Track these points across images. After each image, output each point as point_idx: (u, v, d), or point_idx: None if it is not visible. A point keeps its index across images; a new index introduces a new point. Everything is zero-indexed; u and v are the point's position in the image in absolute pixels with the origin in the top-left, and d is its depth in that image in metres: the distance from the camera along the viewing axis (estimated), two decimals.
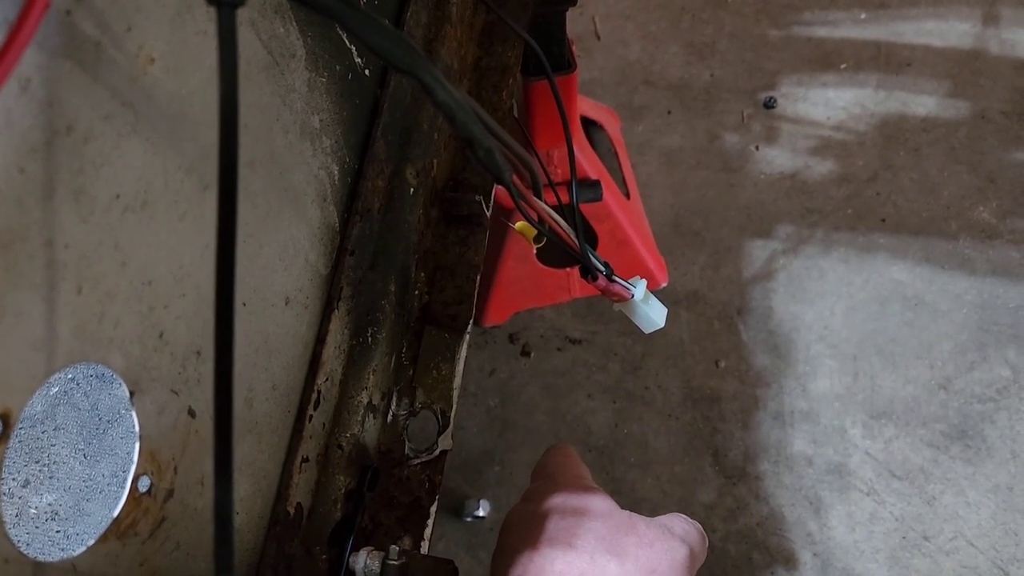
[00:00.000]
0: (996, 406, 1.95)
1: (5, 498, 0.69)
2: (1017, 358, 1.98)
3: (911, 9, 2.49)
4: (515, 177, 0.80)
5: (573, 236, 0.91)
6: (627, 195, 2.15)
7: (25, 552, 0.57)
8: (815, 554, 1.89)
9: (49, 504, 0.76)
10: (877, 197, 2.21)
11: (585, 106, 2.23)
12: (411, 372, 1.06)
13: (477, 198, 1.10)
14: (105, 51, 0.58)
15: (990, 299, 2.06)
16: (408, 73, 0.58)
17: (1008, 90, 2.31)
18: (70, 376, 0.78)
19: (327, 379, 0.92)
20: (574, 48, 1.58)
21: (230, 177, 0.49)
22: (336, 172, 0.94)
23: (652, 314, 0.95)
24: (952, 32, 2.44)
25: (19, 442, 0.75)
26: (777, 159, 2.31)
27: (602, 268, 0.92)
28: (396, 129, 1.05)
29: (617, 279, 0.94)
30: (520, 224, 0.97)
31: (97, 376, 0.74)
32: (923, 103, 2.32)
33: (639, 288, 0.94)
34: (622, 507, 0.84)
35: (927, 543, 1.86)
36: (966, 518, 1.87)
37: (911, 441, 1.95)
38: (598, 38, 2.63)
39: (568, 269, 2.04)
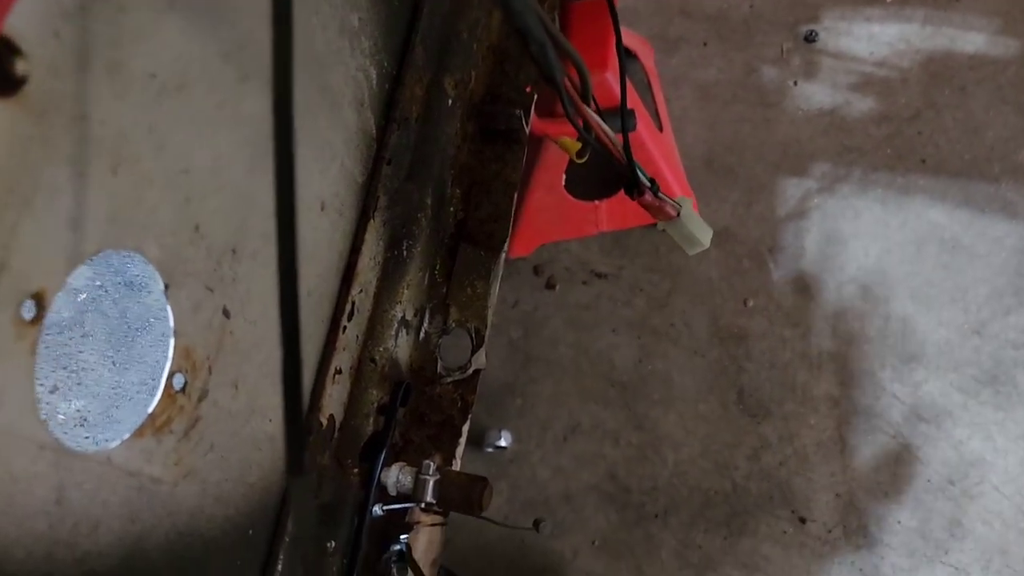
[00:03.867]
0: None
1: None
2: None
3: None
4: (567, 82, 0.76)
5: (620, 150, 0.87)
6: (660, 128, 2.10)
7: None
8: (838, 495, 1.88)
9: (77, 410, 0.74)
10: (918, 137, 2.15)
11: None
12: (444, 289, 1.04)
13: (516, 112, 1.06)
14: None
15: None
16: None
17: None
18: (98, 283, 0.76)
19: (361, 290, 0.90)
20: None
21: (285, 75, 0.46)
22: (374, 76, 0.90)
23: (697, 233, 0.91)
24: None
25: (46, 348, 0.73)
26: (816, 95, 2.24)
27: (648, 184, 0.89)
28: (435, 36, 1.01)
29: (663, 196, 0.90)
30: (563, 139, 0.93)
31: (126, 283, 0.72)
32: (971, 40, 2.24)
33: (686, 206, 0.91)
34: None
35: (951, 487, 1.85)
36: (993, 463, 1.85)
37: (941, 385, 1.92)
38: None
39: (596, 202, 2.00)
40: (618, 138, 0.89)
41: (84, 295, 0.77)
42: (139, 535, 0.62)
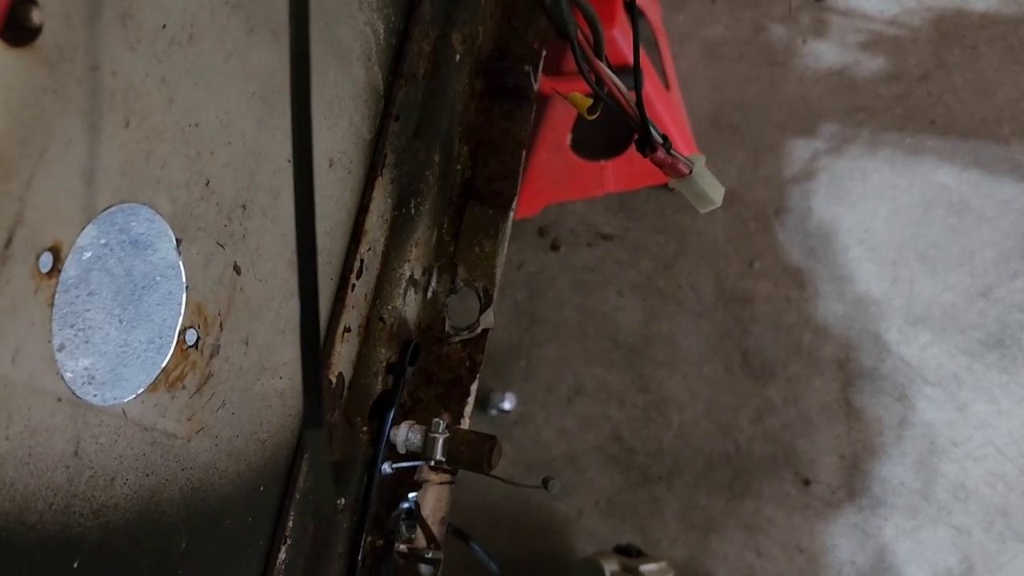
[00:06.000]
0: None
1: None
2: None
3: None
4: (579, 35, 0.75)
5: (633, 105, 0.86)
6: (667, 86, 2.08)
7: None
8: (842, 456, 1.89)
9: (85, 368, 0.74)
10: (928, 97, 2.12)
11: None
12: (452, 248, 1.03)
13: (525, 68, 1.05)
14: None
15: None
16: None
17: None
18: (103, 241, 0.75)
19: (370, 248, 0.90)
20: None
21: (303, 29, 0.45)
22: (382, 31, 0.89)
23: (709, 191, 0.90)
24: None
25: (54, 306, 0.73)
26: (825, 54, 2.21)
27: (661, 140, 0.88)
28: None
29: (675, 153, 0.89)
30: (573, 94, 0.92)
31: (131, 241, 0.72)
32: None
33: (698, 163, 0.90)
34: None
35: (956, 449, 1.86)
36: (997, 426, 1.85)
37: (946, 348, 1.92)
38: None
39: (602, 162, 1.99)
40: (630, 94, 0.88)
41: (89, 253, 0.77)
42: (154, 489, 0.62)
